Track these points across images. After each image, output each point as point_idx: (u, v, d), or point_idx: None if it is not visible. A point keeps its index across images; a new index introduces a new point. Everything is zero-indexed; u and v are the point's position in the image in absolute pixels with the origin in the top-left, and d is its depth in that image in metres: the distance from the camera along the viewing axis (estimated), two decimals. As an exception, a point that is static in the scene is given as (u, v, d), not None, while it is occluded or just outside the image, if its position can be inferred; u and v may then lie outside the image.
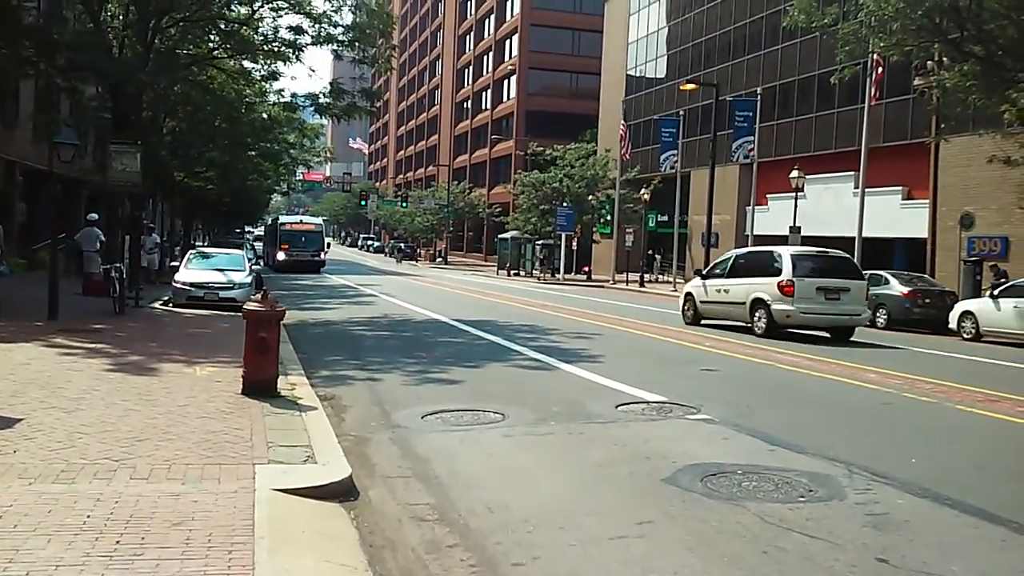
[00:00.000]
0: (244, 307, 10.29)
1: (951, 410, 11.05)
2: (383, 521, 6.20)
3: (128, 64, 21.48)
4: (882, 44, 25.14)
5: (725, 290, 21.27)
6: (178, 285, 22.20)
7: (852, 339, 20.08)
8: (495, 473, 7.53)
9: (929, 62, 27.00)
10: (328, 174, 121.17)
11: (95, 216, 25.66)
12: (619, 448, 8.41)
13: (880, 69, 30.04)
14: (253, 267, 25.90)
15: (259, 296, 10.15)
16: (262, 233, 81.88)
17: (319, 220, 61.40)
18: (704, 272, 22.95)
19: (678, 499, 6.73)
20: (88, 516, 5.49)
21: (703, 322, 22.17)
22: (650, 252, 49.85)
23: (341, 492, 6.64)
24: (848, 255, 22.67)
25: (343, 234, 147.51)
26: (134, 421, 8.27)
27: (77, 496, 5.89)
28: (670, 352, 16.76)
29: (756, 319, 19.93)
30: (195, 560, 4.87)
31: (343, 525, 6.01)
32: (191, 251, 27.17)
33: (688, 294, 22.96)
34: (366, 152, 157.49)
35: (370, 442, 8.58)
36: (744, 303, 20.36)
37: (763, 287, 19.83)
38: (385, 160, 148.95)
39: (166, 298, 23.06)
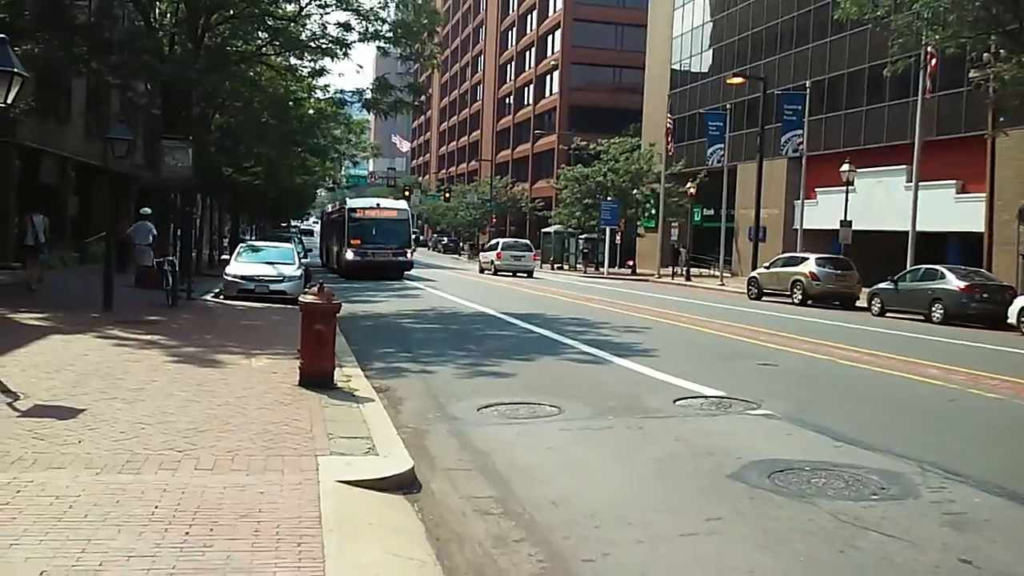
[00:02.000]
0: (301, 300, 10.30)
1: (1019, 407, 10.75)
2: (447, 514, 6.13)
3: (179, 62, 21.67)
4: (937, 37, 24.60)
5: (487, 257, 48.14)
6: (229, 278, 22.41)
7: (909, 333, 20.11)
8: (556, 467, 7.44)
9: (985, 54, 26.37)
10: (372, 169, 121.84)
11: (148, 210, 25.98)
12: (681, 444, 8.27)
13: (934, 61, 29.39)
14: (302, 260, 26.06)
15: (315, 289, 10.15)
16: (316, 225, 79.67)
17: (403, 204, 43.53)
18: (483, 249, 52.11)
19: (746, 496, 6.58)
20: (156, 507, 5.48)
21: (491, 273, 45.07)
22: (676, 247, 49.55)
23: (404, 484, 6.58)
24: (527, 240, 52.05)
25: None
26: (194, 412, 8.30)
27: (144, 486, 5.89)
28: (724, 346, 16.53)
29: (490, 268, 46.33)
30: (265, 552, 4.83)
31: (408, 518, 5.95)
32: (241, 244, 27.40)
33: (479, 260, 51.43)
34: (406, 150, 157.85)
35: (428, 434, 8.53)
36: (490, 261, 46.85)
37: (492, 255, 46.76)
38: (428, 155, 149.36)
39: (216, 290, 23.27)
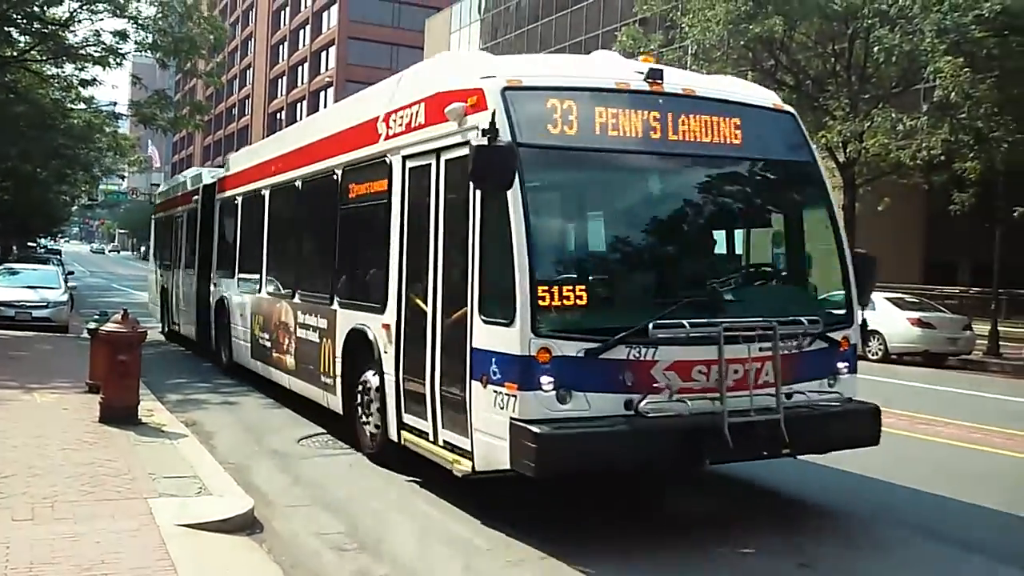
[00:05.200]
0: (102, 329, 9.62)
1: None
2: (301, 554, 5.91)
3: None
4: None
5: None
6: (-15, 304, 20.39)
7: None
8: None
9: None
10: (133, 185, 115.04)
11: None
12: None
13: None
14: (68, 285, 24.16)
15: (119, 317, 9.49)
16: (66, 244, 73.71)
17: (768, 93, 7.94)
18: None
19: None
20: (-19, 566, 4.94)
21: None
22: None
23: (247, 525, 6.28)
24: None
25: (143, 248, 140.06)
26: (-11, 456, 7.53)
27: (-42, 544, 5.29)
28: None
29: None
30: (124, 608, 4.47)
31: (262, 560, 5.69)
32: (-2, 267, 25.01)
33: None
34: (160, 164, 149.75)
35: (253, 470, 8.17)
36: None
37: None
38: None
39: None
